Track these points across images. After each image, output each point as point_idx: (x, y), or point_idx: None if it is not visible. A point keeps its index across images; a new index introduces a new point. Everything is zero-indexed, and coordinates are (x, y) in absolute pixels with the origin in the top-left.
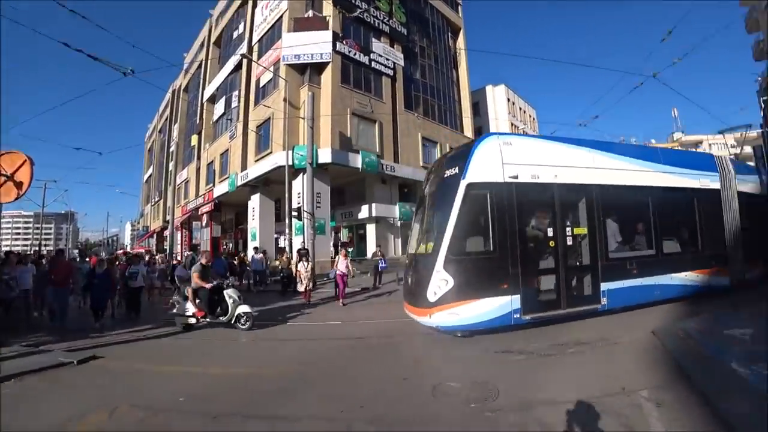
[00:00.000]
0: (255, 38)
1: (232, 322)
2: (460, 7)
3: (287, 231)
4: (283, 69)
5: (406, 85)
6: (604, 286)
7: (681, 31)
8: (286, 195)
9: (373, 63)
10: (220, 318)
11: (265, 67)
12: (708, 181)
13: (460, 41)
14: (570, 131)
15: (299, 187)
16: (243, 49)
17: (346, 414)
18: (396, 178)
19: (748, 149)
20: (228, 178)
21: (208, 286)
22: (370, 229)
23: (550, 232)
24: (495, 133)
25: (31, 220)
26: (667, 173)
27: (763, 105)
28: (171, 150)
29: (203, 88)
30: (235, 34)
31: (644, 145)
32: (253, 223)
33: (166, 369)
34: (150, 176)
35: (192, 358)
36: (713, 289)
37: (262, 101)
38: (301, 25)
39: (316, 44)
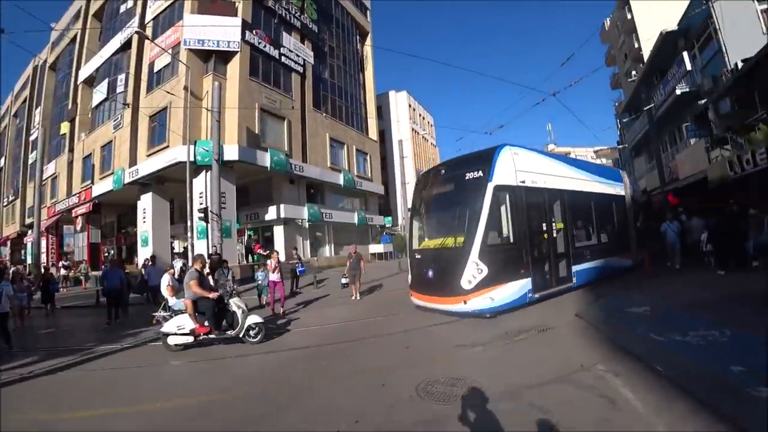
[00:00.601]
0: (149, 16)
1: (241, 335)
2: (368, 12)
3: (189, 234)
4: (184, 54)
5: (315, 83)
6: (574, 268)
7: (576, 59)
8: (188, 194)
9: (283, 57)
10: (228, 332)
11: (163, 49)
12: (619, 189)
13: (368, 45)
14: (478, 138)
15: (201, 185)
16: (134, 25)
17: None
18: (304, 178)
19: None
20: (112, 174)
21: (213, 295)
22: (278, 231)
23: (544, 226)
24: (507, 144)
25: None
26: (599, 182)
27: (619, 125)
28: (32, 138)
29: (77, 68)
30: (122, 8)
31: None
32: (145, 227)
33: (80, 414)
34: (0, 170)
35: (117, 393)
36: (623, 269)
37: (157, 88)
38: (206, 8)
39: (223, 31)
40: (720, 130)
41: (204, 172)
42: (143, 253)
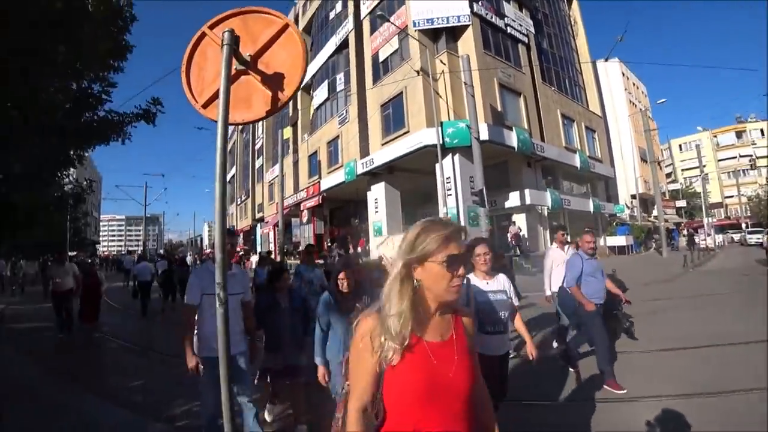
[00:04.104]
0: (364, 11)
1: None
2: None
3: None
4: (414, 36)
5: (538, 55)
6: None
7: None
8: (438, 179)
9: (508, 28)
10: None
11: (398, 26)
12: None
13: (575, 6)
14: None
15: (445, 170)
16: (347, 27)
17: None
18: (542, 160)
19: None
20: (340, 167)
21: None
22: (520, 220)
23: None
24: None
25: (123, 223)
26: None
27: None
28: (257, 147)
29: None
30: (331, 15)
31: None
32: (377, 216)
33: None
34: (233, 177)
35: None
36: None
37: (386, 76)
38: None
39: (449, 6)
40: None
41: (450, 155)
42: (377, 243)
